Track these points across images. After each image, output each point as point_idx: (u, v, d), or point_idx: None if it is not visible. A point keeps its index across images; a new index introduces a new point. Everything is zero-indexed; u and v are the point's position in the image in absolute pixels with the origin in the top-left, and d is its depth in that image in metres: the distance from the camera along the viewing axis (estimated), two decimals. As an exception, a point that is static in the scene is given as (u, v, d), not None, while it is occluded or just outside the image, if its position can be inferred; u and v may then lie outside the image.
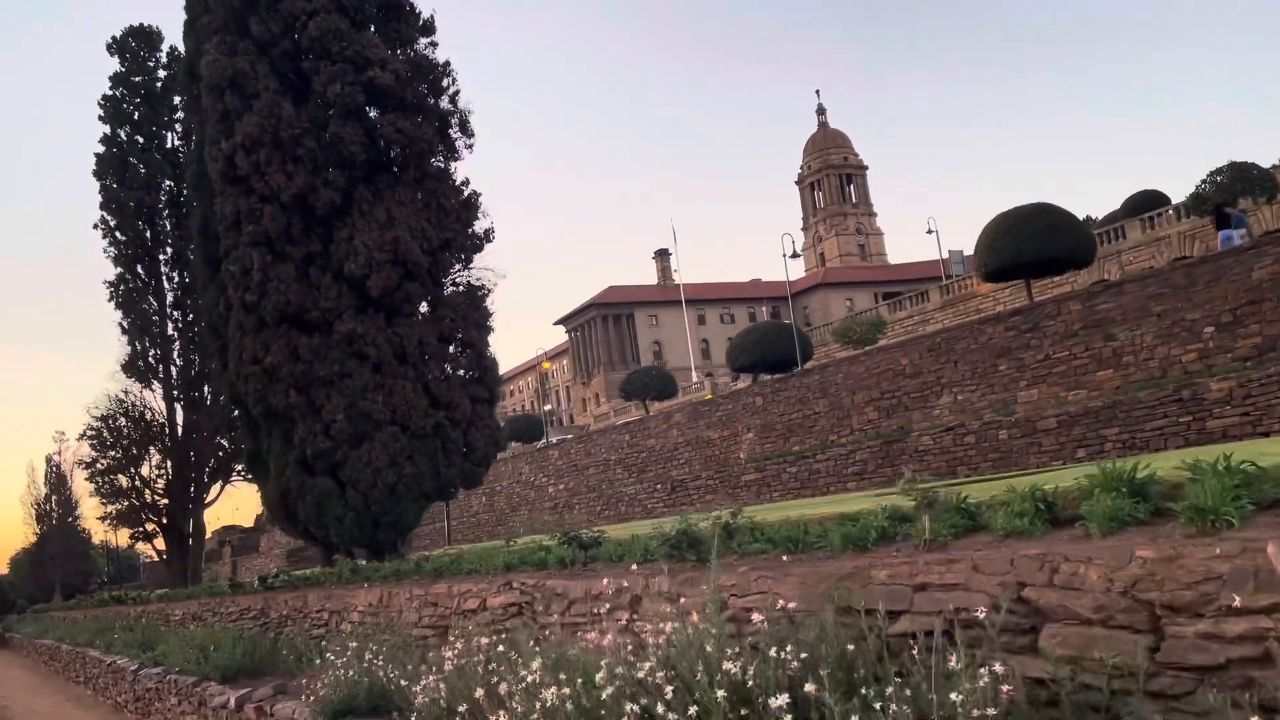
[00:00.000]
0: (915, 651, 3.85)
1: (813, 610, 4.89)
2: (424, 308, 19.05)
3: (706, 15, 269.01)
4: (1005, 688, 3.40)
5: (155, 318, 40.13)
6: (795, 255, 54.49)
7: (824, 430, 32.90)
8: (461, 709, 5.29)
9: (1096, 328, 25.81)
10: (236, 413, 24.78)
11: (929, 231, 71.66)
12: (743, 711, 3.88)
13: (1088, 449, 22.51)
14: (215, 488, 42.08)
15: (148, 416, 40.97)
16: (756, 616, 4.65)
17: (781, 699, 3.66)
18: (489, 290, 19.55)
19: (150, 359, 40.10)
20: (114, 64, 40.79)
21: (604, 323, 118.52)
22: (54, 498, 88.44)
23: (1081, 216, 36.84)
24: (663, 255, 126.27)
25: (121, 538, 62.67)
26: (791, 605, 4.82)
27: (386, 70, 18.09)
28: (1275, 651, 3.21)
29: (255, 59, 18.23)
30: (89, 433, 41.88)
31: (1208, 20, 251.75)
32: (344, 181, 18.17)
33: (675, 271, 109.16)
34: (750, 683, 3.96)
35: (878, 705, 3.52)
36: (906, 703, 3.54)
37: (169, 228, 40.07)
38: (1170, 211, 47.21)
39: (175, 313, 40.51)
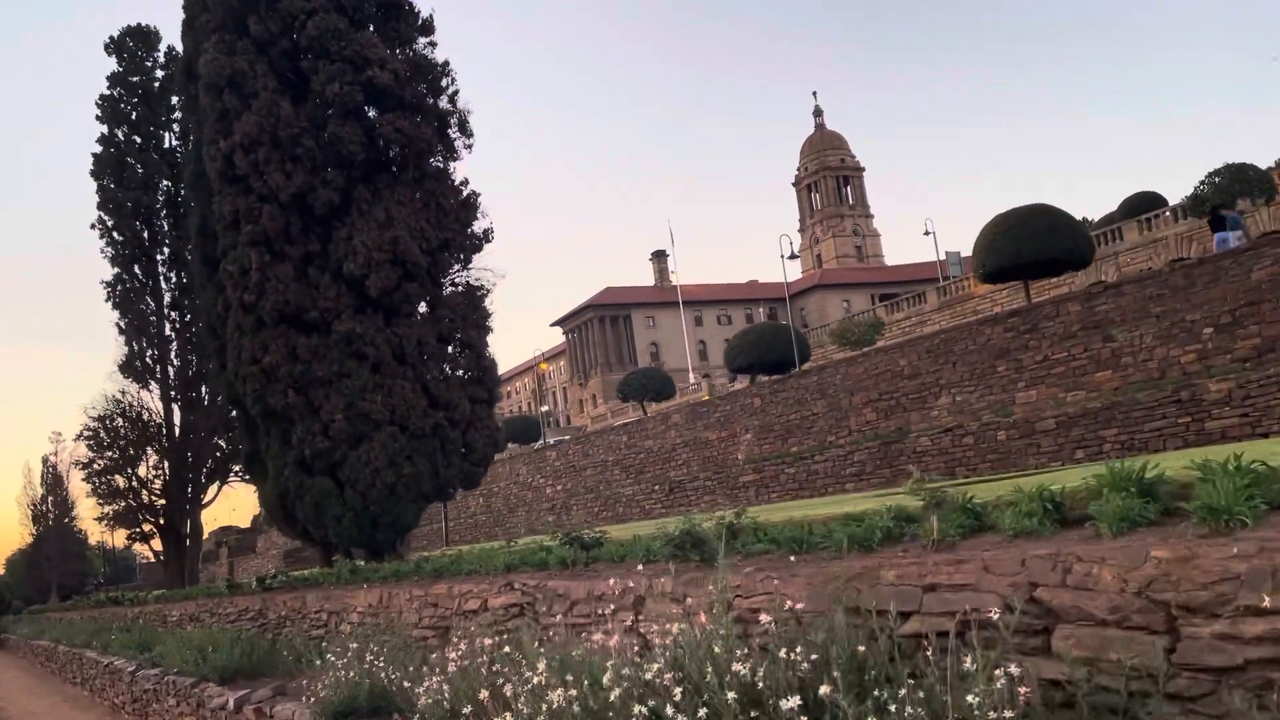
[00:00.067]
0: (930, 653, 3.80)
1: (820, 611, 4.85)
2: (423, 308, 19.00)
3: (704, 16, 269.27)
4: (1023, 689, 3.36)
5: (153, 318, 40.05)
6: (793, 256, 54.46)
7: (822, 431, 32.89)
8: (465, 710, 5.24)
9: (1095, 329, 25.81)
10: (234, 413, 24.73)
11: (926, 233, 71.76)
12: (753, 714, 3.84)
13: (1086, 450, 22.48)
14: (212, 488, 42.03)
15: (145, 417, 40.90)
16: (764, 617, 4.61)
17: (793, 701, 3.62)
18: (488, 290, 19.55)
19: (148, 359, 40.02)
20: (111, 64, 40.78)
21: (601, 324, 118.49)
22: (50, 498, 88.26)
23: (1078, 218, 36.85)
24: (660, 256, 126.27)
25: (118, 539, 62.57)
26: (799, 606, 4.78)
27: (385, 70, 18.04)
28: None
29: (254, 58, 18.18)
30: (86, 433, 41.83)
31: (1206, 21, 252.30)
32: (343, 181, 18.12)
33: (672, 273, 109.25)
34: (760, 684, 3.92)
35: (892, 708, 3.48)
36: (920, 705, 3.49)
37: (166, 228, 40.01)
38: (1167, 213, 47.24)
39: (173, 313, 40.45)
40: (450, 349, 19.15)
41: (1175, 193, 56.99)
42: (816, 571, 5.31)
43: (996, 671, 3.43)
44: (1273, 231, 33.60)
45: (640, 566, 6.73)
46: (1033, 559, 4.19)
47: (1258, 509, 3.96)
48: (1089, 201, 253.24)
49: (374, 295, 17.74)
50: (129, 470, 41.50)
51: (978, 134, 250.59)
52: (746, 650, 4.31)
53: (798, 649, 4.01)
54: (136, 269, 39.83)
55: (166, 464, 40.81)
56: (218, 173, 18.33)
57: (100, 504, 42.45)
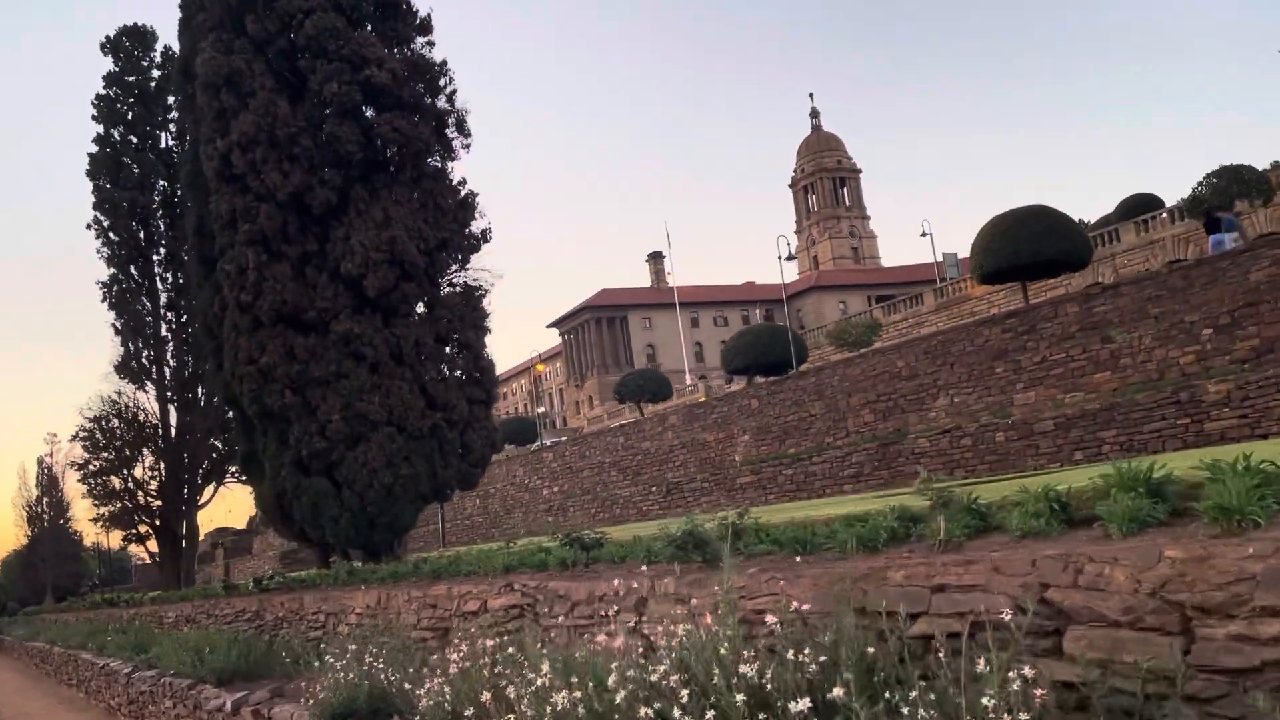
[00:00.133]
0: (941, 654, 3.75)
1: (826, 612, 4.80)
2: (420, 308, 18.93)
3: (700, 17, 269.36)
4: (1038, 691, 3.31)
5: (149, 319, 39.95)
6: (790, 258, 54.44)
7: (820, 433, 32.85)
8: (467, 713, 5.18)
9: (1094, 330, 25.80)
10: (231, 414, 24.64)
11: (923, 234, 71.85)
12: (761, 716, 3.78)
13: (1085, 451, 22.46)
14: (209, 489, 41.95)
15: (141, 418, 40.80)
16: (770, 618, 4.56)
17: (802, 703, 3.56)
18: (486, 291, 19.49)
19: (144, 360, 39.93)
20: (108, 63, 40.70)
21: (597, 325, 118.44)
22: (45, 500, 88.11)
23: (1075, 220, 36.85)
24: (656, 258, 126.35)
25: (114, 540, 62.35)
26: (806, 607, 4.73)
27: (383, 69, 17.98)
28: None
29: (251, 57, 18.11)
30: (81, 434, 41.73)
31: (1203, 22, 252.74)
32: (340, 181, 18.05)
33: (669, 274, 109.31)
34: (769, 686, 3.86)
35: (905, 710, 3.42)
36: (932, 707, 3.44)
37: (163, 228, 39.94)
38: (1164, 215, 47.27)
39: (169, 314, 40.36)
40: (448, 349, 19.09)
41: (1173, 195, 57.06)
42: (822, 572, 5.26)
43: (1010, 674, 3.37)
44: (1270, 233, 33.60)
45: (643, 567, 6.68)
46: (1043, 559, 4.14)
47: (1270, 509, 3.91)
48: (1085, 204, 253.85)
49: (372, 295, 17.68)
50: (125, 471, 41.39)
51: (974, 136, 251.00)
52: (753, 652, 4.26)
53: (806, 650, 3.96)
54: (133, 269, 39.73)
55: (162, 465, 40.71)
56: (215, 172, 18.26)
57: (96, 505, 42.38)
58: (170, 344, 40.40)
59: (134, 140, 40.08)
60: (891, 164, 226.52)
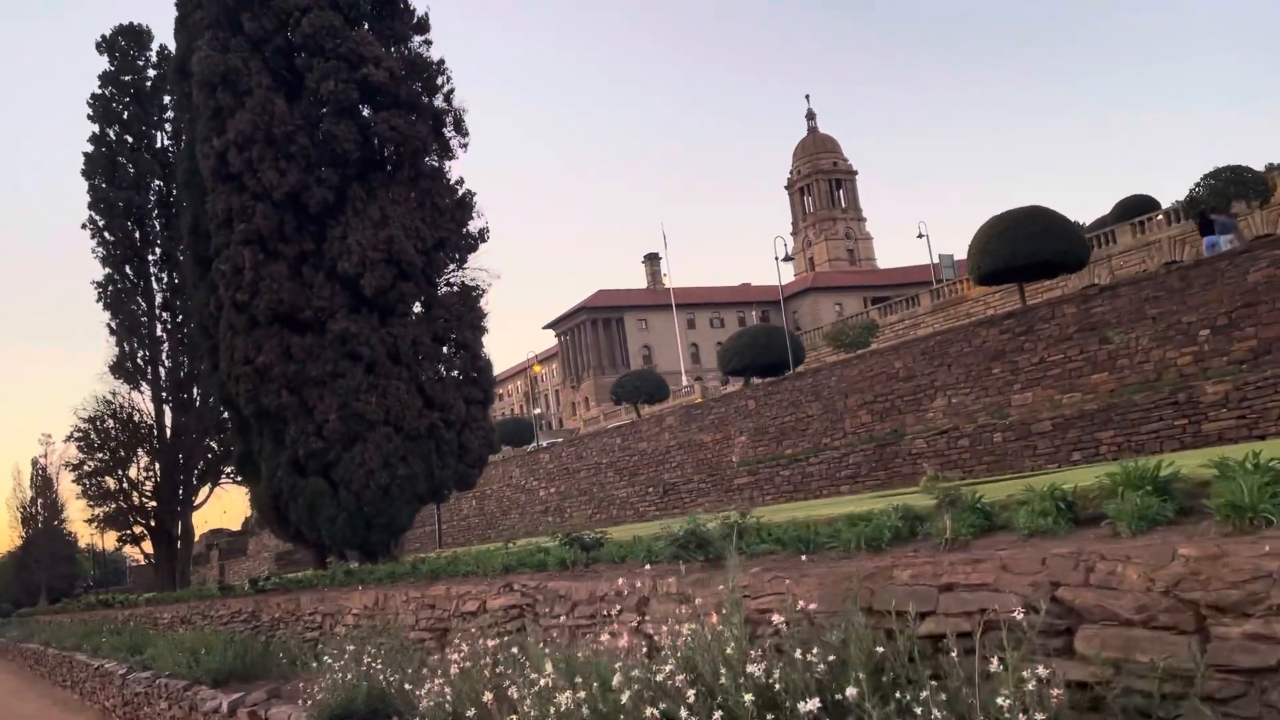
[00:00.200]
0: (954, 654, 3.70)
1: (832, 612, 4.75)
2: (418, 308, 18.87)
3: (696, 18, 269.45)
4: (1055, 691, 3.26)
5: (144, 319, 39.80)
6: (787, 258, 54.42)
7: (817, 433, 32.83)
8: (469, 714, 5.12)
9: (1091, 331, 25.79)
10: (226, 414, 24.56)
11: (919, 236, 71.64)
12: (769, 717, 3.73)
13: (1083, 452, 22.46)
14: (204, 490, 41.80)
15: (136, 418, 40.63)
16: (776, 618, 4.50)
17: (812, 704, 3.51)
18: (483, 290, 19.44)
19: (139, 360, 39.77)
20: (103, 63, 40.51)
21: (593, 326, 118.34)
22: (40, 501, 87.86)
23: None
24: (652, 259, 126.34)
25: (108, 541, 62.22)
26: (812, 606, 4.67)
27: (380, 67, 17.92)
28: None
29: (248, 55, 18.04)
30: (76, 434, 41.55)
31: (1200, 23, 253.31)
32: (337, 179, 17.99)
33: (665, 275, 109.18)
34: (777, 686, 3.81)
35: (918, 710, 3.37)
36: (944, 707, 3.39)
37: (158, 228, 39.80)
38: (1160, 216, 47.32)
39: (164, 314, 40.21)
40: (445, 349, 19.03)
41: (1171, 195, 57.09)
42: (827, 571, 5.21)
43: (1024, 673, 3.32)
44: (1266, 235, 33.64)
45: (648, 566, 6.63)
46: (1053, 558, 4.09)
47: (1283, 506, 3.86)
48: (1082, 205, 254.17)
49: (369, 295, 17.62)
50: (120, 472, 41.22)
51: (971, 137, 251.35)
52: (759, 651, 4.20)
53: (814, 650, 3.90)
54: (128, 269, 39.57)
55: (157, 466, 40.55)
56: (211, 171, 18.18)
57: (90, 506, 42.20)
58: (165, 344, 40.25)
59: (129, 140, 39.93)
60: (887, 165, 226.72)
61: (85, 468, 41.57)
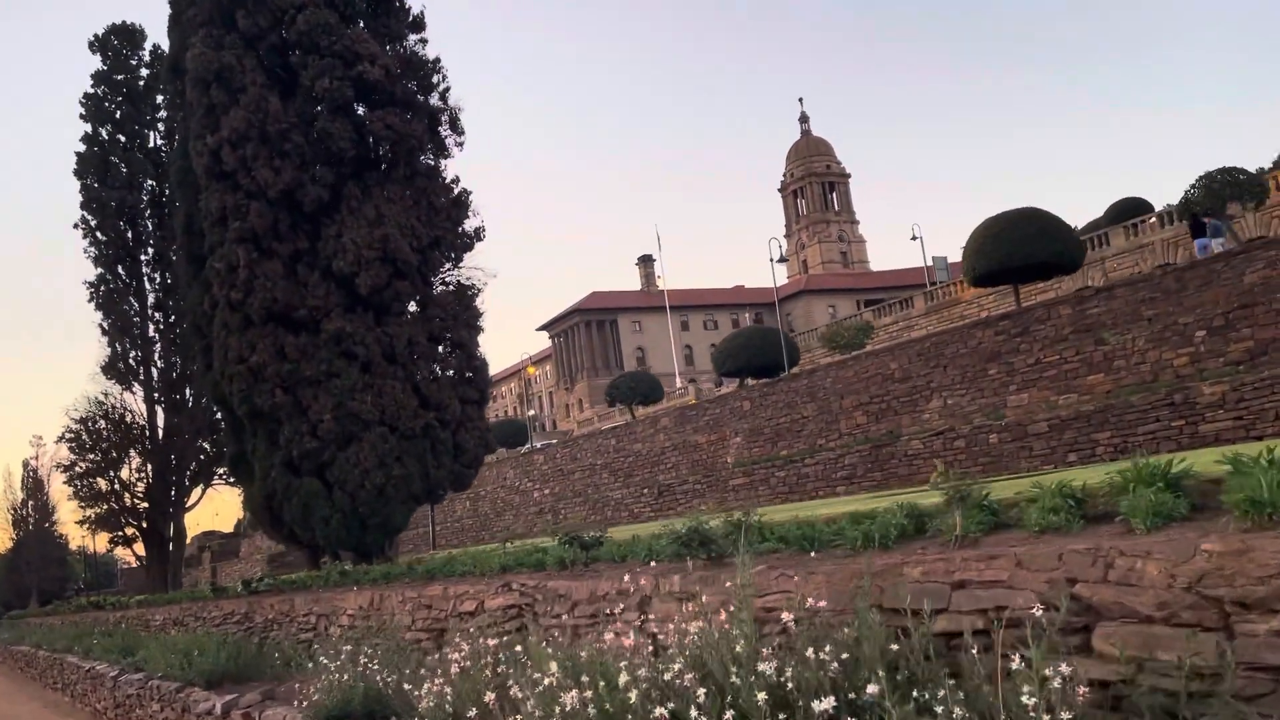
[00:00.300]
0: (975, 650, 3.61)
1: (841, 610, 4.67)
2: (413, 307, 18.78)
3: (690, 20, 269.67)
4: (1081, 690, 3.17)
5: (136, 319, 39.58)
6: (782, 259, 54.40)
7: (812, 434, 32.77)
8: (470, 714, 5.02)
9: (1087, 332, 25.78)
10: (220, 414, 24.42)
11: (913, 238, 71.68)
12: (781, 716, 3.64)
13: (1079, 453, 22.40)
14: (196, 491, 41.55)
15: (128, 419, 40.39)
16: (786, 615, 4.41)
17: (826, 703, 3.42)
18: (479, 290, 19.35)
19: (131, 361, 39.54)
20: (96, 62, 40.33)
21: (587, 328, 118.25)
22: (31, 503, 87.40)
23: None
24: (646, 261, 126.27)
25: (100, 543, 61.98)
26: (821, 604, 4.59)
27: (376, 65, 17.82)
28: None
29: (242, 53, 17.93)
30: (68, 435, 41.30)
31: (1199, 23, 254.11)
32: (332, 178, 17.88)
33: (659, 277, 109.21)
34: (790, 685, 3.71)
35: (939, 709, 3.28)
36: (965, 705, 3.30)
37: (151, 228, 39.60)
38: (1153, 219, 47.43)
39: (157, 314, 40.00)
40: (441, 349, 18.94)
41: (1168, 197, 57.18)
42: (835, 569, 5.13)
43: (1047, 671, 3.23)
44: (1260, 237, 33.68)
45: (652, 564, 6.54)
46: (1070, 554, 4.01)
47: (1301, 502, 3.79)
48: (1074, 208, 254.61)
49: (364, 293, 17.51)
50: (111, 473, 40.98)
51: (964, 139, 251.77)
52: (769, 650, 4.11)
53: (827, 648, 3.81)
54: (120, 269, 39.36)
55: (149, 467, 40.31)
56: (204, 169, 18.06)
57: (82, 507, 41.95)
58: (158, 344, 40.02)
59: (122, 139, 39.73)
60: (881, 167, 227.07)
61: (77, 469, 41.34)
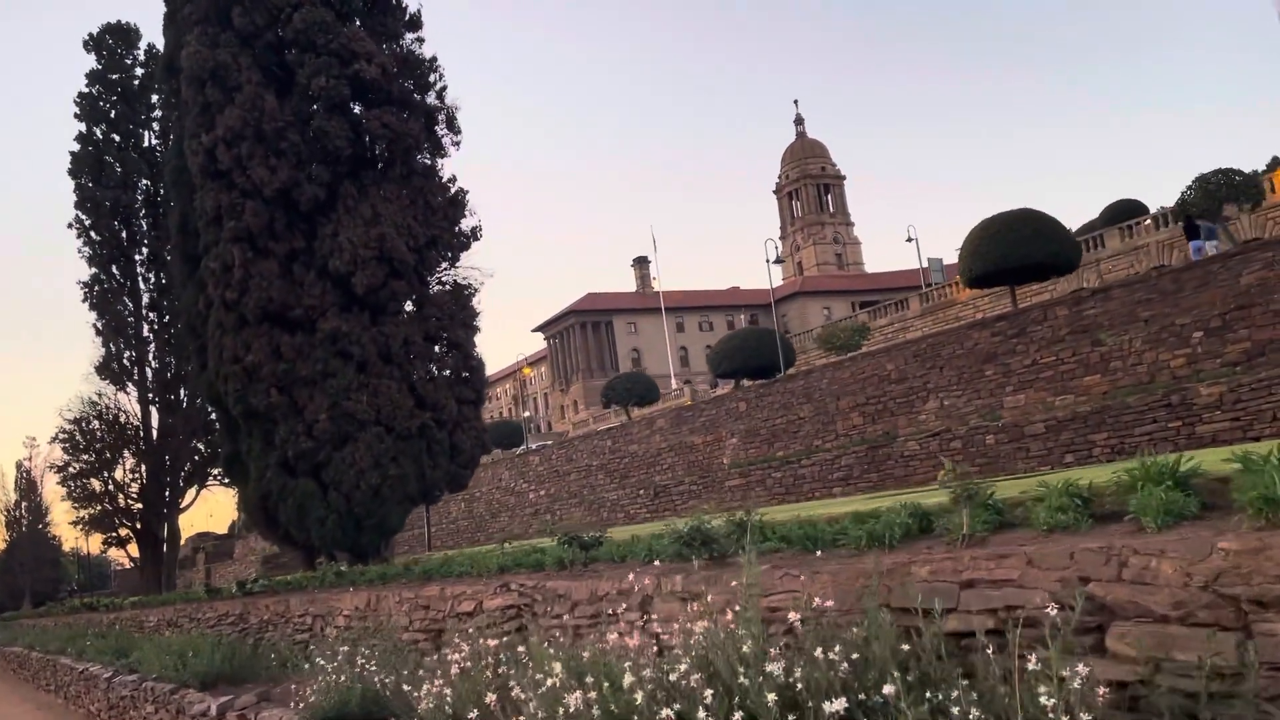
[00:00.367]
0: (989, 650, 3.55)
1: (847, 609, 4.61)
2: (409, 306, 18.70)
3: (687, 20, 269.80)
4: (1101, 690, 3.11)
5: (130, 319, 39.41)
6: (778, 261, 54.37)
7: (809, 436, 32.73)
8: (470, 716, 4.94)
9: (1084, 333, 25.77)
10: (214, 415, 24.32)
11: (909, 239, 71.78)
12: (790, 717, 3.57)
13: (1076, 454, 22.38)
14: (190, 492, 41.36)
15: (122, 419, 40.20)
16: (792, 615, 4.34)
17: (838, 704, 3.35)
18: (476, 289, 19.27)
19: (125, 361, 39.37)
20: (90, 61, 40.17)
21: (583, 330, 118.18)
22: (24, 504, 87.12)
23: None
24: (642, 263, 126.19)
25: (93, 544, 61.72)
26: (828, 604, 4.53)
27: (372, 64, 17.74)
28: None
29: (238, 51, 17.84)
30: (61, 436, 41.11)
31: (1194, 25, 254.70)
32: (328, 177, 17.79)
33: (654, 279, 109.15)
34: (799, 685, 3.65)
35: (955, 710, 3.21)
36: (980, 706, 3.23)
37: (145, 228, 39.45)
38: (1148, 221, 47.51)
39: (151, 314, 39.82)
40: (437, 348, 18.85)
41: (1165, 198, 57.34)
42: (840, 568, 5.07)
43: (1064, 671, 3.17)
44: (1255, 238, 33.71)
45: (657, 563, 6.48)
46: (1082, 552, 3.95)
47: (1315, 500, 3.74)
48: (1071, 209, 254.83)
49: (360, 293, 17.42)
50: (105, 474, 40.78)
51: (960, 140, 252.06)
52: (776, 650, 4.04)
53: (836, 648, 3.75)
54: (115, 269, 39.19)
55: (144, 467, 40.13)
56: (200, 167, 17.96)
57: (75, 508, 41.75)
58: (152, 345, 39.86)
59: (116, 139, 39.57)
60: (876, 168, 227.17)
61: (70, 470, 41.13)
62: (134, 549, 41.96)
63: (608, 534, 9.46)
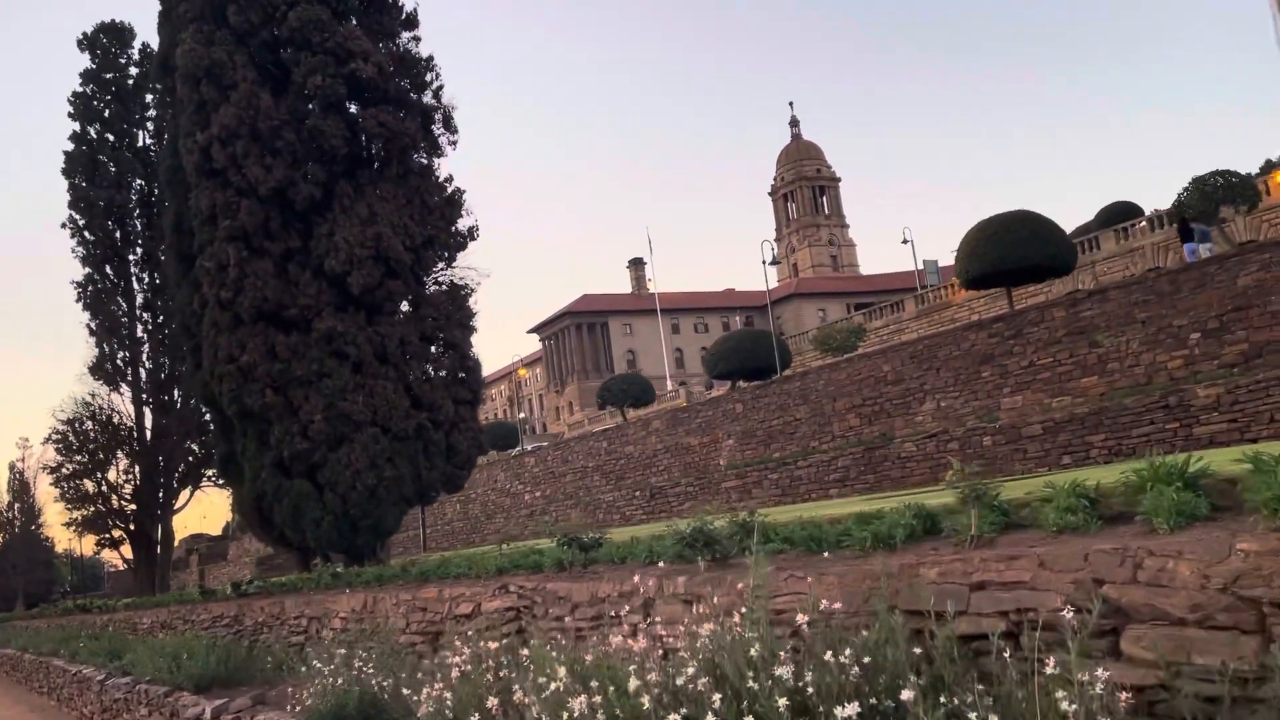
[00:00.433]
0: (1006, 655, 3.48)
1: (854, 611, 4.54)
2: (405, 306, 18.60)
3: (682, 23, 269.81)
4: (1124, 695, 3.04)
5: (124, 319, 39.23)
6: (775, 262, 54.35)
7: (805, 437, 32.67)
8: (472, 719, 4.87)
9: (1080, 334, 25.75)
10: (209, 415, 24.19)
11: (904, 241, 71.72)
12: (800, 722, 3.50)
13: (1073, 455, 22.34)
14: (184, 493, 41.15)
15: (116, 420, 40.00)
16: (800, 617, 4.27)
17: (850, 709, 3.28)
18: (472, 289, 19.18)
19: (119, 361, 39.18)
20: (84, 60, 39.99)
21: (578, 331, 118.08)
22: (17, 505, 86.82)
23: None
24: (637, 264, 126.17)
25: (87, 545, 61.51)
26: (836, 606, 4.45)
27: (369, 62, 17.65)
28: None
29: (233, 49, 17.73)
30: (54, 436, 40.91)
31: (1193, 26, 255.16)
32: (324, 176, 17.69)
33: (650, 280, 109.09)
34: (809, 690, 3.57)
35: (972, 716, 3.14)
36: (997, 711, 3.16)
37: (139, 228, 39.28)
38: (1143, 223, 47.57)
39: (145, 314, 39.64)
40: (433, 349, 18.75)
41: (1159, 198, 57.41)
42: (847, 570, 4.99)
43: (1083, 676, 3.10)
44: (1248, 241, 33.75)
45: (661, 564, 6.40)
46: (1096, 554, 3.88)
47: (1332, 501, 3.68)
48: (1066, 211, 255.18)
49: (356, 293, 17.32)
50: (98, 475, 40.58)
51: (955, 143, 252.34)
52: (784, 653, 3.97)
53: (847, 651, 3.67)
54: (108, 269, 39.00)
55: (137, 468, 39.93)
56: (195, 166, 17.85)
57: (68, 509, 41.53)
58: (146, 345, 39.67)
59: (111, 138, 39.40)
60: (871, 170, 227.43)
61: (63, 470, 40.91)
62: (127, 550, 41.75)
63: (607, 535, 9.39)
